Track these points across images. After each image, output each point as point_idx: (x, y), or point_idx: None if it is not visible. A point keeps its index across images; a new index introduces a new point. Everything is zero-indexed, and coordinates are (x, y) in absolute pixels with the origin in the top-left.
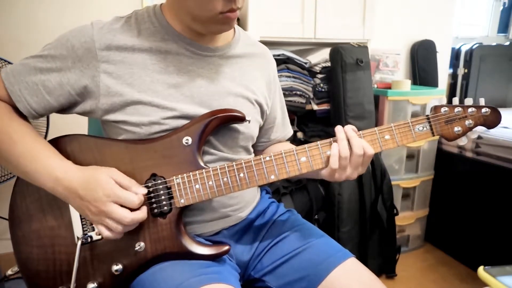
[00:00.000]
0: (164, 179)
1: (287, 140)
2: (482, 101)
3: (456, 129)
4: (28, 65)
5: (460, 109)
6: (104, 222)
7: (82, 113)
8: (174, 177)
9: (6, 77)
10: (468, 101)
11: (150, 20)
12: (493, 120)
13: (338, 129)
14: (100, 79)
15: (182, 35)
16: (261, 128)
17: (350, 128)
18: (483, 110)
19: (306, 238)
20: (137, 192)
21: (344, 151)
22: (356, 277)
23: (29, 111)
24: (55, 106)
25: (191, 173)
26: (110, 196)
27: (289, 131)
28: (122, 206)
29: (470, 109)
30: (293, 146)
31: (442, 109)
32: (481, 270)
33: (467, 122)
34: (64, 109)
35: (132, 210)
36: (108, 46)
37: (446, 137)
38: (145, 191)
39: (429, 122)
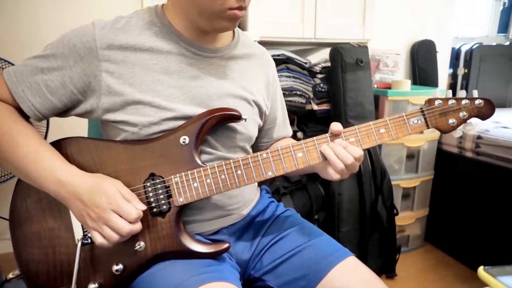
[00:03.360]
0: (163, 178)
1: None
2: (475, 93)
3: (450, 121)
4: (30, 65)
5: (454, 101)
6: (101, 229)
7: (83, 114)
8: (172, 176)
9: (9, 78)
10: (462, 93)
11: (152, 20)
12: (487, 112)
13: (325, 150)
14: (101, 78)
15: (183, 35)
16: (262, 129)
17: (336, 145)
18: (477, 101)
19: (305, 237)
20: (136, 207)
21: (339, 167)
22: (356, 276)
23: (33, 112)
24: (59, 106)
25: (189, 171)
26: (111, 204)
27: (289, 130)
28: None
29: (464, 101)
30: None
31: (436, 102)
32: (481, 270)
33: (461, 114)
34: (67, 110)
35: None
36: (110, 45)
37: (441, 129)
38: (144, 207)
39: (424, 115)
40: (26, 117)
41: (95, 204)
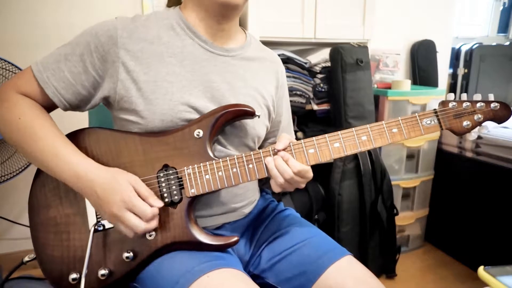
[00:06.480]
0: (176, 169)
1: None
2: (491, 97)
3: (465, 123)
4: (55, 53)
5: (468, 104)
6: (116, 225)
7: (102, 100)
8: (185, 167)
9: (36, 68)
10: (477, 96)
11: (169, 17)
12: (503, 115)
13: (269, 163)
14: (119, 64)
15: (198, 32)
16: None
17: (278, 157)
18: (492, 105)
19: (304, 235)
20: (152, 204)
21: (279, 181)
22: (352, 274)
23: (58, 97)
24: (82, 92)
25: (201, 164)
26: (125, 202)
27: (292, 135)
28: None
29: (479, 104)
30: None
31: (450, 104)
32: (481, 270)
33: (476, 117)
34: (90, 97)
35: None
36: (130, 36)
37: (455, 131)
38: (161, 204)
39: (437, 116)
40: (48, 112)
41: (109, 201)
